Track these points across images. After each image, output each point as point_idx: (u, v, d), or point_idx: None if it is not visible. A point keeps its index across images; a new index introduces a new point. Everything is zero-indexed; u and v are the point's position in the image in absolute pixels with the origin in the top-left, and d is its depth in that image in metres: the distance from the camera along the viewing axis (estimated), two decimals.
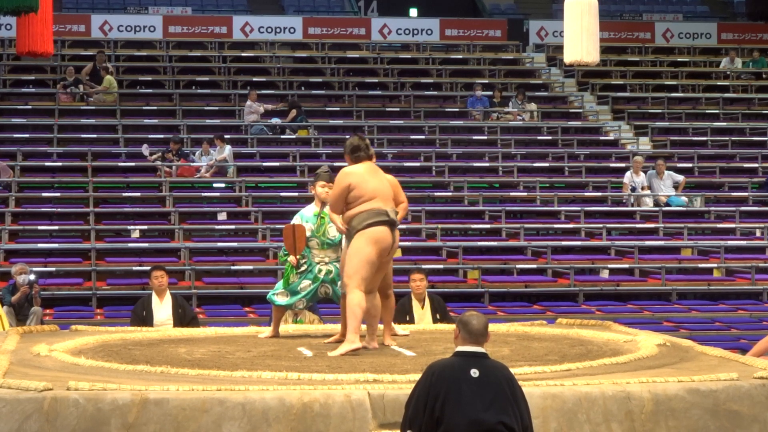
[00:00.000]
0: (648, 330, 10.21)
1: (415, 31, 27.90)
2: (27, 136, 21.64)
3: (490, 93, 23.98)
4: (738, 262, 17.95)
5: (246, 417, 6.38)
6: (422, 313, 10.87)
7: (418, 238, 18.21)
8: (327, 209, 8.87)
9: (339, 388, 6.58)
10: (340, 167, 8.58)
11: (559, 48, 19.30)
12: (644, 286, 17.20)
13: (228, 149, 20.07)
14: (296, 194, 19.52)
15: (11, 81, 23.85)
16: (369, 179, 8.36)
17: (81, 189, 19.52)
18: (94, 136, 21.82)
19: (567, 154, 21.81)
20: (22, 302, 13.33)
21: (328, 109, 23.57)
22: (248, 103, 22.27)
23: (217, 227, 18.16)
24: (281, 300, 9.15)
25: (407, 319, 10.71)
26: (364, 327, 8.39)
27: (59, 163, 20.44)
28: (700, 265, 17.74)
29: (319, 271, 9.09)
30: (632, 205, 19.97)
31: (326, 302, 9.98)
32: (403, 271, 17.02)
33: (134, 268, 16.64)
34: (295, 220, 9.17)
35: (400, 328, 9.36)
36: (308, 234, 9.03)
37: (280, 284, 9.22)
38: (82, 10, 28.63)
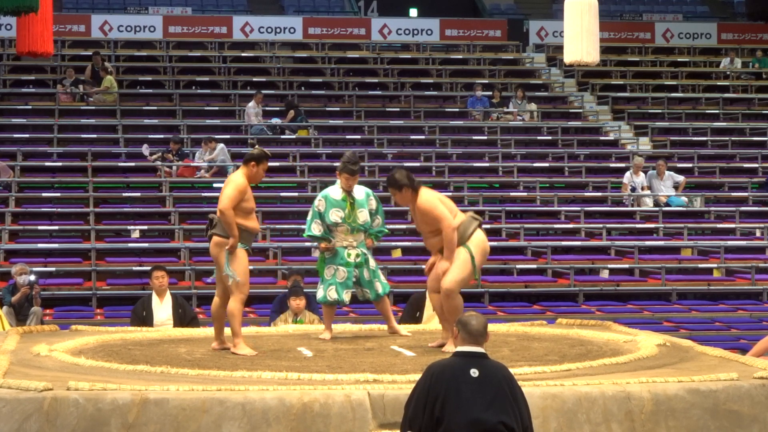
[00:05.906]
0: (648, 330, 10.21)
1: (415, 31, 27.90)
2: (27, 136, 21.61)
3: (490, 93, 23.97)
4: (738, 262, 17.93)
5: (246, 417, 6.38)
6: (431, 314, 10.87)
7: (418, 238, 18.11)
8: (356, 194, 9.03)
9: (339, 388, 6.58)
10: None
11: (559, 48, 19.29)
12: (644, 286, 17.18)
13: (219, 147, 19.93)
14: (296, 194, 19.50)
15: (11, 81, 23.84)
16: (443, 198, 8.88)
17: (81, 189, 19.50)
18: (94, 136, 21.79)
19: (567, 154, 21.80)
20: (22, 302, 13.31)
21: (328, 109, 23.54)
22: (251, 104, 22.16)
23: None
24: (332, 296, 9.10)
25: (417, 315, 10.74)
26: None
27: (59, 163, 20.42)
28: (700, 265, 17.72)
29: (348, 255, 9.06)
30: (632, 205, 19.96)
31: (365, 303, 9.95)
32: (404, 271, 17.00)
33: (134, 268, 16.62)
34: (319, 199, 9.11)
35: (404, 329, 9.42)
36: (339, 220, 9.01)
37: (321, 284, 9.16)
38: (82, 10, 28.62)
